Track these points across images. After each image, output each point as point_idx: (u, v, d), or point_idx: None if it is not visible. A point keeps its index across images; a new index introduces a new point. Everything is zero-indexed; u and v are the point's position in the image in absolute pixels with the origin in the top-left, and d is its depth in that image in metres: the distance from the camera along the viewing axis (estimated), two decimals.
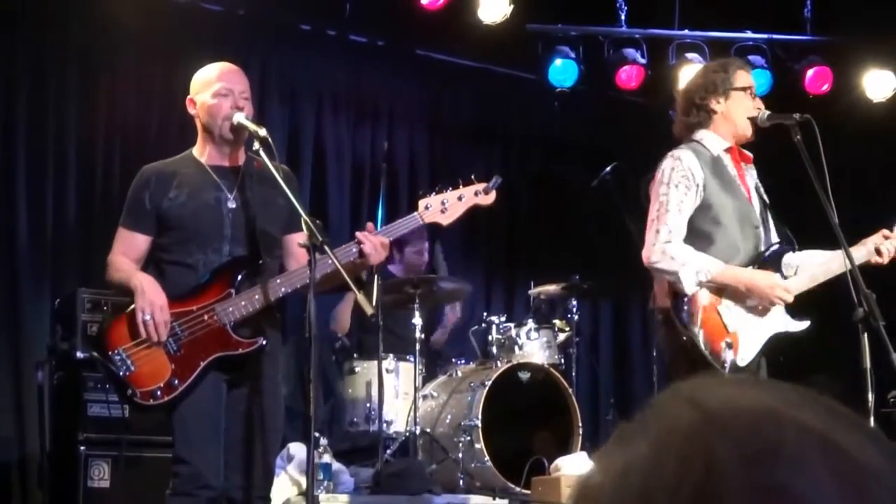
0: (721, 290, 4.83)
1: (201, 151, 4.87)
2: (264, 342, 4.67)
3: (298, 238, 4.69)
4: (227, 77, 4.85)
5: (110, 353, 4.57)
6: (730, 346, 4.75)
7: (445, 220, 4.88)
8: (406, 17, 8.39)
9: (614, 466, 0.87)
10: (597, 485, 0.88)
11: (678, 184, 4.86)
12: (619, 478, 0.86)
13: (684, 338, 4.76)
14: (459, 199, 4.86)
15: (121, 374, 4.55)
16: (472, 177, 4.97)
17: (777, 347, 4.95)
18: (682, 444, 0.84)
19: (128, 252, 4.75)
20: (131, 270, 4.68)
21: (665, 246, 4.78)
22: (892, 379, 4.46)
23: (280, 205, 4.81)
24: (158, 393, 4.53)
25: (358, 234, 4.68)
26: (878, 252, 4.96)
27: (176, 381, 4.54)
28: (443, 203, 4.82)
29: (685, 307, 4.80)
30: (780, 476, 0.81)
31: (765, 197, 5.13)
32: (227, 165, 4.84)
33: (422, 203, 4.82)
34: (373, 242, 4.62)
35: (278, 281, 4.68)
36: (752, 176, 5.13)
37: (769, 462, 0.82)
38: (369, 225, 4.77)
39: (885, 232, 5.03)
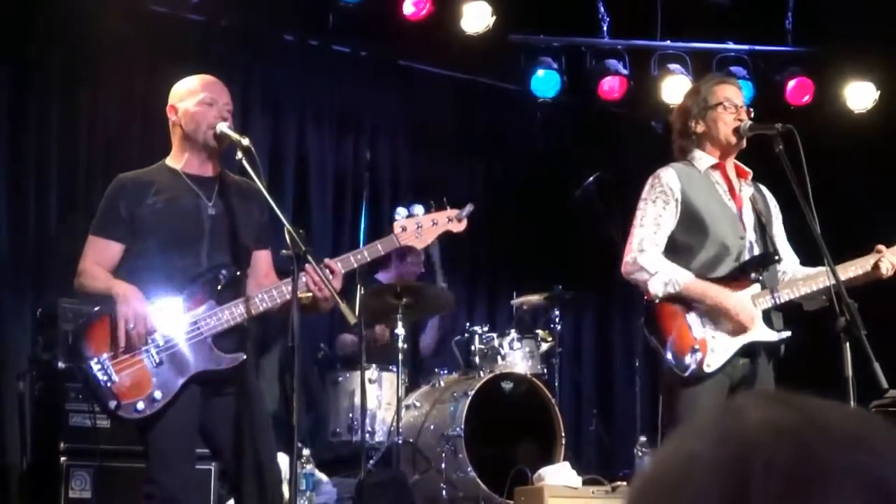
0: (691, 299, 4.90)
1: (178, 160, 4.84)
2: (244, 356, 4.66)
3: (270, 253, 4.80)
4: (212, 88, 4.86)
5: (91, 361, 4.50)
6: (696, 351, 4.82)
7: (420, 244, 4.98)
8: (389, 27, 8.39)
9: (674, 460, 0.88)
10: (657, 474, 0.89)
11: (655, 199, 5.02)
12: (676, 471, 0.88)
13: (651, 344, 4.93)
14: (433, 223, 4.92)
15: (102, 384, 4.48)
16: (445, 199, 5.02)
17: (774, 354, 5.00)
18: (740, 448, 0.85)
19: (100, 260, 4.68)
20: (109, 279, 4.63)
21: (637, 255, 4.94)
22: (875, 388, 4.48)
23: (254, 218, 4.84)
24: (140, 406, 4.47)
25: (327, 261, 4.69)
26: (877, 267, 4.99)
27: (158, 395, 4.48)
28: (418, 226, 4.88)
29: (654, 315, 4.95)
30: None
31: (763, 211, 5.16)
32: (204, 175, 4.83)
33: (397, 225, 4.86)
34: (340, 269, 4.64)
35: (260, 296, 4.66)
36: (748, 191, 5.17)
37: (807, 487, 0.82)
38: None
39: (879, 246, 5.06)
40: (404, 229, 4.85)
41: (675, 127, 5.24)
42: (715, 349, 4.84)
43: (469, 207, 5.00)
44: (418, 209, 4.89)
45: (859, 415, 0.88)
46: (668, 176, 5.03)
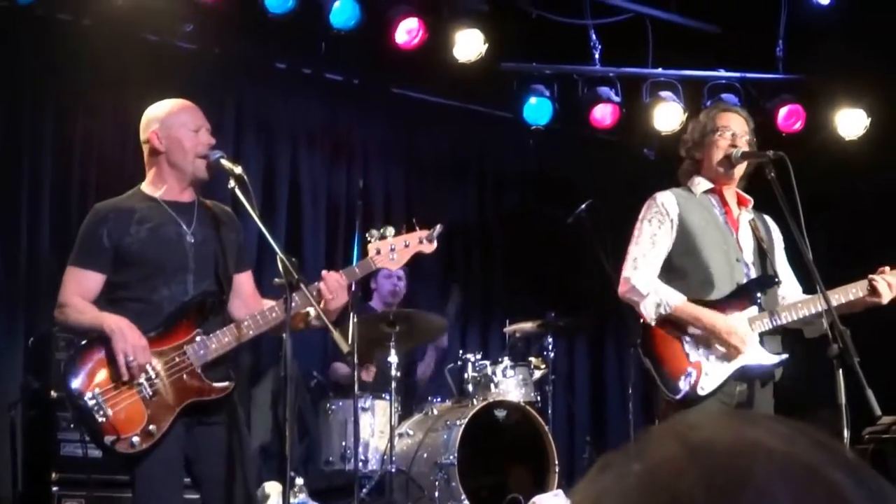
0: (684, 322, 4.90)
1: (155, 187, 4.79)
2: (233, 384, 4.65)
3: (251, 273, 4.80)
4: (193, 113, 4.85)
5: (85, 397, 4.43)
6: (689, 374, 4.83)
7: (394, 266, 5.03)
8: (381, 56, 8.41)
9: (595, 494, 0.88)
10: None
11: (651, 219, 5.07)
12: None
13: (645, 367, 4.92)
14: (406, 245, 4.94)
15: (97, 420, 4.42)
16: (414, 220, 5.08)
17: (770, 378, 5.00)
18: (665, 477, 0.84)
19: (83, 292, 4.61)
20: (97, 312, 4.56)
21: (632, 273, 4.99)
22: (868, 415, 4.48)
23: (232, 241, 4.84)
24: (136, 441, 4.41)
25: (323, 273, 4.72)
26: (874, 290, 4.96)
27: (152, 428, 4.44)
28: (391, 249, 4.89)
29: (648, 338, 4.97)
30: None
31: (764, 238, 5.17)
32: (183, 201, 4.80)
33: (371, 248, 4.88)
34: (331, 285, 4.65)
35: (247, 322, 4.65)
36: (747, 217, 5.19)
37: (734, 493, 0.82)
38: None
39: (882, 268, 5.04)
40: (378, 252, 4.87)
41: (681, 153, 5.32)
42: (709, 372, 4.85)
43: (439, 228, 5.04)
44: (389, 230, 4.91)
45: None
46: (665, 198, 5.10)
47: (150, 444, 4.43)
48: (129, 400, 4.45)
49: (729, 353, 4.86)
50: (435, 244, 5.03)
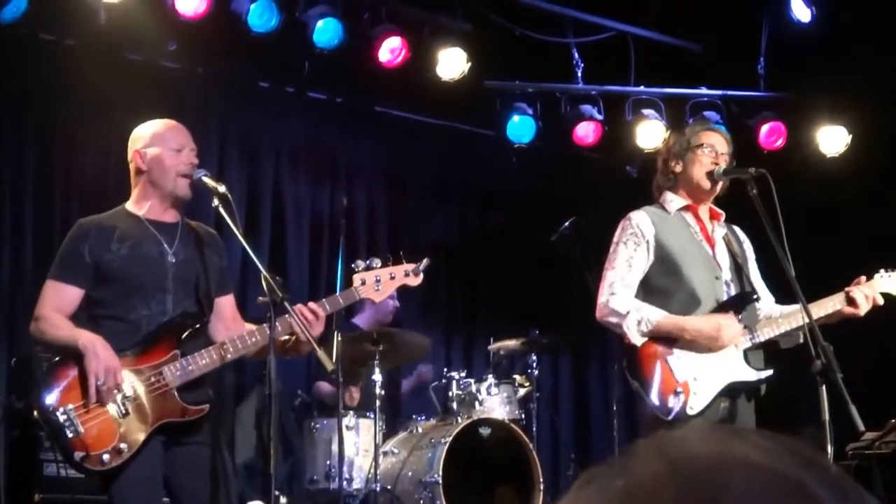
0: (672, 339, 4.89)
1: (139, 206, 4.80)
2: (208, 407, 4.64)
3: (233, 297, 4.82)
4: (178, 132, 4.85)
5: (57, 413, 4.41)
6: (679, 393, 4.81)
7: (378, 297, 5.02)
8: (365, 74, 8.42)
9: None
10: None
11: (626, 241, 5.05)
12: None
13: (633, 388, 4.90)
14: (391, 277, 4.96)
15: (67, 435, 4.39)
16: (401, 253, 5.08)
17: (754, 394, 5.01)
18: (645, 493, 0.85)
19: (60, 306, 4.61)
20: (73, 328, 4.55)
21: (609, 298, 4.95)
22: (852, 431, 4.49)
23: (214, 264, 4.84)
24: (106, 458, 4.39)
25: (299, 306, 4.72)
26: (852, 301, 5.00)
27: (123, 446, 4.42)
28: (376, 280, 4.90)
29: (634, 358, 4.93)
30: None
31: (739, 251, 5.19)
32: (166, 221, 4.80)
33: (356, 278, 4.89)
34: (308, 317, 4.65)
35: (227, 345, 4.64)
36: (721, 232, 5.20)
37: None
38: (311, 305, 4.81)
39: (860, 278, 5.08)
40: (363, 282, 4.88)
41: (658, 165, 5.29)
42: (697, 391, 4.85)
43: (425, 262, 5.05)
44: (376, 262, 4.92)
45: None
46: (640, 218, 5.07)
47: (119, 463, 4.41)
48: (101, 417, 4.43)
49: (723, 353, 4.87)
50: (421, 277, 5.04)
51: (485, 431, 7.20)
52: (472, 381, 7.52)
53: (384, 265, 4.95)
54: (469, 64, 8.25)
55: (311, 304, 4.71)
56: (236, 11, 7.56)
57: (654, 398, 4.83)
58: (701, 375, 4.88)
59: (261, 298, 4.56)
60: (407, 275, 4.99)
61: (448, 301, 9.71)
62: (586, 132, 9.01)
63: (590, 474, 0.92)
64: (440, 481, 6.78)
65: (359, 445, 7.29)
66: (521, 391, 7.68)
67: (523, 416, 7.61)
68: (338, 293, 4.93)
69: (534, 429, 7.74)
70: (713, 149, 5.13)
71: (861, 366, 5.32)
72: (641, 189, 5.43)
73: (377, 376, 7.12)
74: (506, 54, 8.77)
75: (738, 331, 4.92)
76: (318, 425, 7.39)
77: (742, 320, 4.99)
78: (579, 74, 8.95)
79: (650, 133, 8.82)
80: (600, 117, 8.98)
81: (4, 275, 7.60)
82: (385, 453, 7.23)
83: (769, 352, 5.07)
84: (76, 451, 4.40)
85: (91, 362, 4.39)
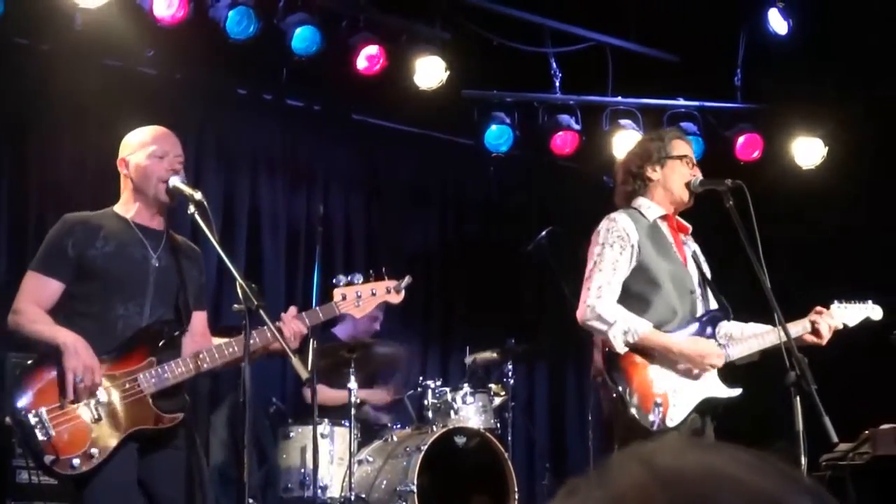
0: (651, 350, 4.89)
1: (127, 209, 4.83)
2: (182, 415, 4.62)
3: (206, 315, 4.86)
4: (163, 139, 4.86)
5: (29, 414, 4.38)
6: (658, 405, 4.80)
7: (358, 313, 5.05)
8: (342, 82, 8.41)
9: None
10: None
11: (613, 243, 4.96)
12: None
13: (614, 395, 4.83)
14: (372, 293, 4.98)
15: (38, 438, 4.37)
16: (384, 269, 5.09)
17: (717, 412, 5.02)
18: (631, 502, 0.85)
19: (40, 300, 4.61)
20: (52, 324, 4.55)
21: (596, 302, 4.88)
22: (825, 442, 4.51)
23: (194, 278, 4.85)
24: (76, 463, 4.37)
25: (283, 315, 4.74)
26: (816, 332, 5.05)
27: (95, 452, 4.40)
28: (357, 295, 4.92)
29: (616, 366, 4.88)
30: None
31: (703, 266, 5.21)
32: (152, 227, 4.82)
33: (337, 292, 4.91)
34: (292, 329, 4.66)
35: (203, 355, 4.64)
36: (689, 245, 5.20)
37: None
38: (292, 308, 4.82)
39: (819, 308, 5.13)
40: (344, 297, 4.90)
41: (630, 168, 5.20)
42: (676, 404, 4.84)
43: (407, 279, 5.07)
44: (358, 277, 4.93)
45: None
46: (625, 222, 5.01)
47: (90, 468, 4.39)
48: (73, 421, 4.41)
49: (699, 375, 4.88)
50: (402, 295, 5.05)
51: (460, 440, 7.19)
52: (447, 389, 7.51)
53: (366, 281, 4.96)
54: (447, 73, 8.26)
55: (292, 316, 4.72)
56: (214, 18, 7.54)
57: (636, 408, 4.80)
58: (679, 388, 4.87)
59: (236, 306, 4.54)
60: (388, 291, 5.00)
61: (424, 309, 9.70)
62: (564, 142, 9.03)
63: (573, 485, 0.92)
64: (415, 490, 6.77)
65: (333, 453, 7.27)
66: (497, 400, 7.68)
67: (499, 425, 7.60)
68: (317, 306, 4.93)
69: (509, 438, 7.74)
70: (690, 160, 5.15)
71: (835, 377, 5.33)
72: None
73: (353, 384, 7.12)
74: (484, 63, 8.79)
75: (720, 361, 4.92)
76: (292, 433, 7.37)
77: (715, 338, 5.01)
78: (557, 84, 8.98)
79: (627, 143, 8.82)
80: (578, 127, 9.00)
81: None
82: (360, 462, 7.22)
83: (734, 368, 5.07)
84: (46, 454, 4.38)
85: (70, 359, 4.39)
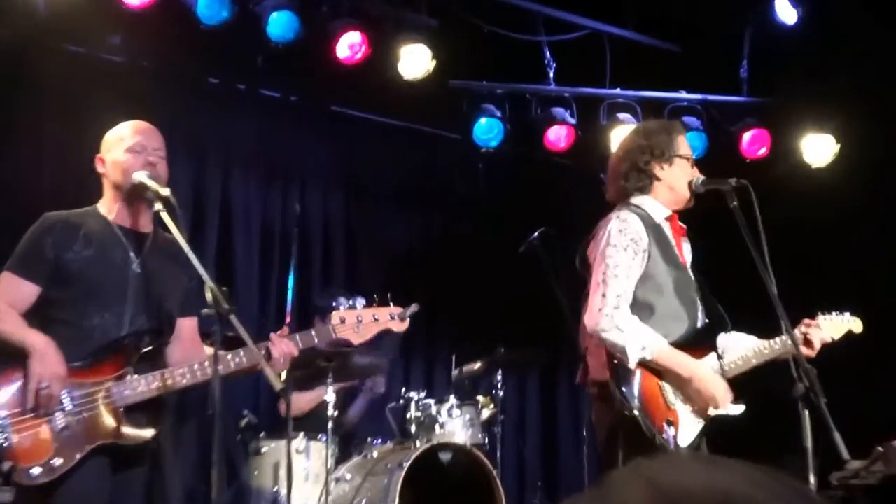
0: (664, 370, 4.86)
1: (109, 209, 4.85)
2: (154, 432, 4.60)
3: (196, 321, 4.82)
4: (140, 133, 4.90)
5: None
6: (671, 423, 4.75)
7: (357, 340, 4.97)
8: (321, 71, 8.39)
9: None
10: None
11: (626, 247, 4.90)
12: None
13: (626, 413, 4.73)
14: (374, 319, 4.94)
15: None
16: (389, 295, 5.05)
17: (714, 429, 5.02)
18: None
19: (14, 301, 4.62)
20: (23, 326, 4.55)
21: (614, 312, 4.78)
22: (836, 459, 4.50)
23: (181, 283, 4.84)
24: (36, 472, 4.36)
25: (272, 336, 4.73)
26: (808, 342, 5.07)
27: (57, 462, 4.39)
28: (358, 320, 4.90)
29: (629, 381, 4.80)
30: None
31: (697, 271, 5.20)
32: (137, 230, 4.84)
33: (335, 316, 4.90)
34: (282, 350, 4.66)
35: (181, 371, 4.62)
36: (687, 247, 5.19)
37: None
38: (284, 328, 4.82)
39: (807, 321, 5.15)
40: (343, 321, 4.88)
41: (636, 163, 5.13)
42: (685, 422, 4.82)
43: (414, 307, 5.03)
44: (360, 301, 4.91)
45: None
46: (637, 223, 4.95)
47: (50, 479, 4.37)
48: (37, 429, 4.41)
49: (703, 408, 4.85)
50: (407, 323, 5.01)
51: (445, 457, 7.18)
52: (431, 402, 7.50)
53: (368, 305, 4.93)
54: (434, 62, 8.25)
55: (283, 336, 4.72)
56: (185, 2, 7.52)
57: (647, 426, 4.70)
58: (688, 406, 4.85)
59: (205, 311, 4.52)
60: (392, 318, 4.96)
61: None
62: (558, 136, 9.03)
63: (572, 502, 0.92)
64: None
65: (309, 470, 7.25)
66: (485, 413, 7.67)
67: (487, 440, 7.60)
68: (312, 329, 4.91)
69: (498, 454, 7.73)
70: (693, 159, 5.14)
71: (847, 390, 5.34)
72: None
73: (329, 396, 7.10)
74: (473, 52, 8.77)
75: (724, 406, 4.89)
76: (264, 448, 7.34)
77: (716, 349, 5.02)
78: (551, 75, 8.98)
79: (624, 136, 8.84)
80: (573, 121, 9.00)
81: None
82: (337, 479, 7.20)
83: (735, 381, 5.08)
84: (5, 460, 4.36)
85: (36, 365, 4.40)
